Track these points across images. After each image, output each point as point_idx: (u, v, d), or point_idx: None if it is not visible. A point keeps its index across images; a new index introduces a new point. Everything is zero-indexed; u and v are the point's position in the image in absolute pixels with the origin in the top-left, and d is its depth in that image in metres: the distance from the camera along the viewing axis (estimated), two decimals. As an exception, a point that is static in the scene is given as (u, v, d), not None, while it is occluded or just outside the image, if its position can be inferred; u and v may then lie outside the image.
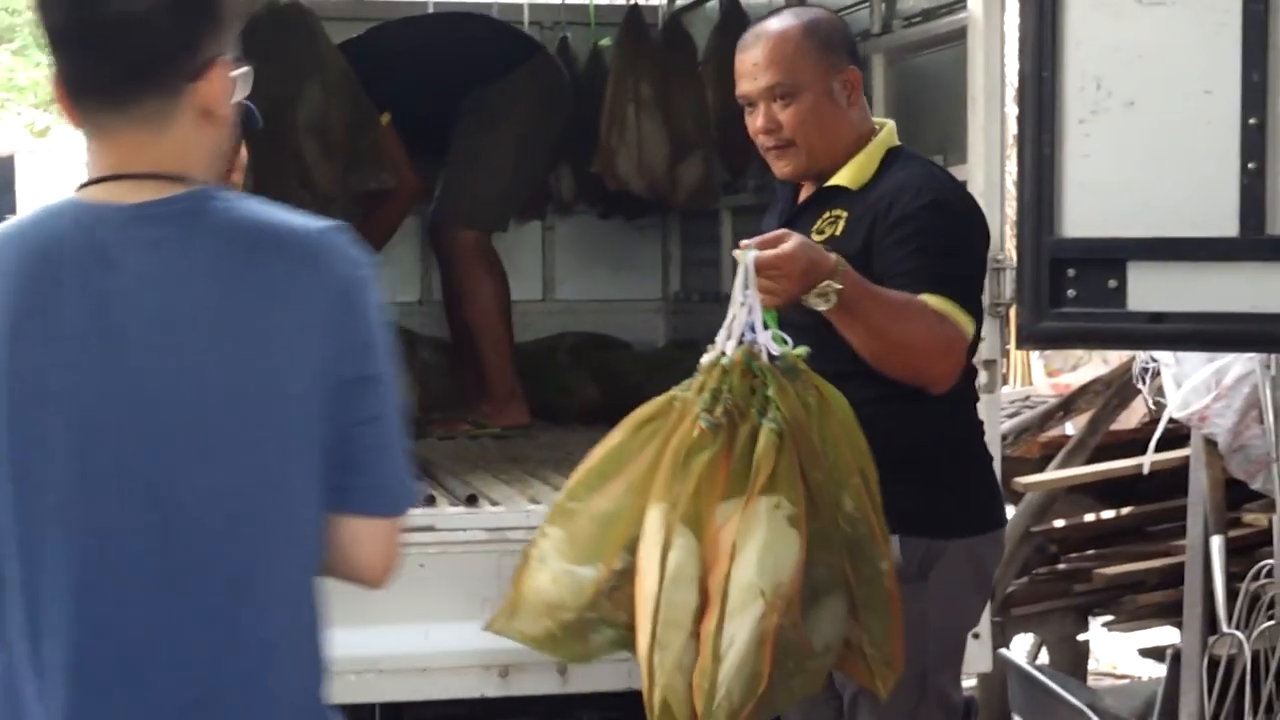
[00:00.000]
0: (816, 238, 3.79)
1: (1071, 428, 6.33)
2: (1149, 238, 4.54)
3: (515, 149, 6.44)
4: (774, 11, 4.27)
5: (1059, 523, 6.09)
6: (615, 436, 3.38)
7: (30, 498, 2.23)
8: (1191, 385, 5.36)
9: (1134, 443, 6.17)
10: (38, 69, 25.60)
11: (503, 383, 6.53)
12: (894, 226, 3.75)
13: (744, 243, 3.43)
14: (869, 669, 3.40)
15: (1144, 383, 5.79)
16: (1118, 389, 5.99)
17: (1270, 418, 5.18)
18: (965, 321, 3.68)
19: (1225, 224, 4.44)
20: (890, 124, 3.99)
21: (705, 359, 3.36)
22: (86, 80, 2.31)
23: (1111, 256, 4.48)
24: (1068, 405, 6.14)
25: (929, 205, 3.77)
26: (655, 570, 3.19)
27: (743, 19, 7.01)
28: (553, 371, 7.12)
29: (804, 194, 3.95)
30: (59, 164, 32.94)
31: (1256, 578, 5.13)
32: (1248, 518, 5.49)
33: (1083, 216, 4.28)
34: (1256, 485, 5.40)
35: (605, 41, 7.47)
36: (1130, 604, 5.94)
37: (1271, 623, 5.01)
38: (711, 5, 7.50)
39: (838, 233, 3.80)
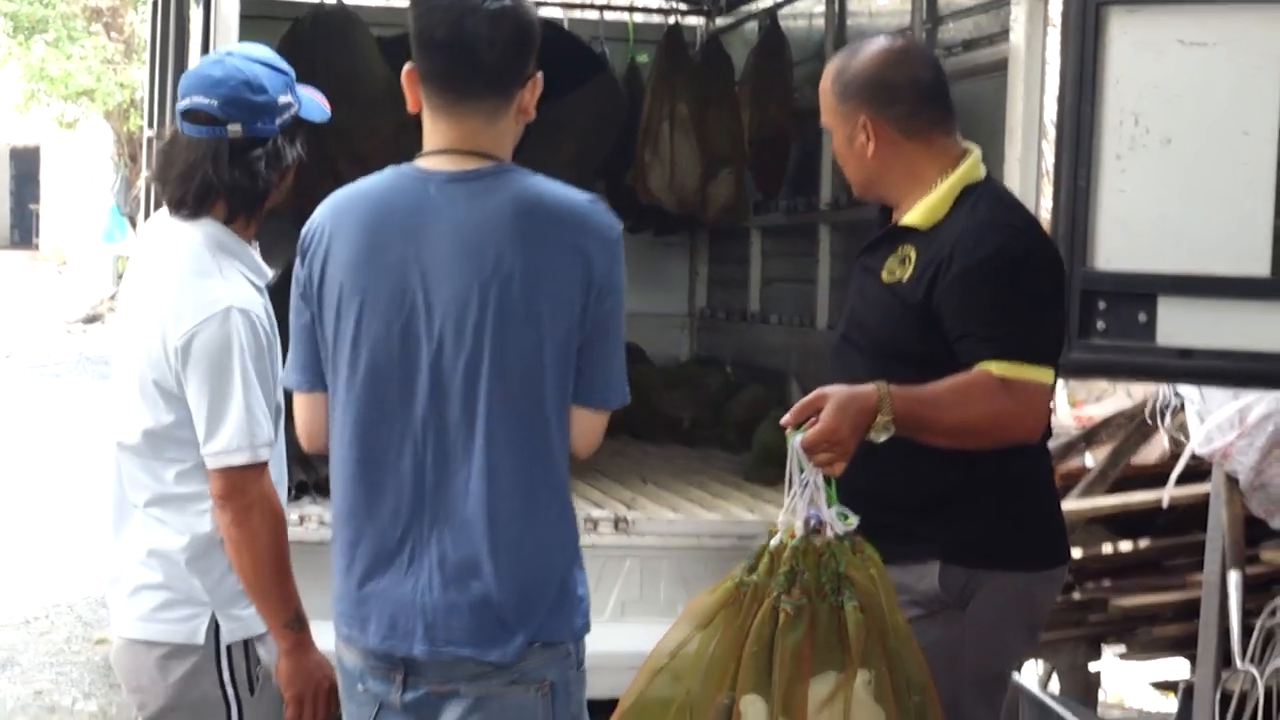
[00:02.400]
0: (886, 277, 3.85)
1: (1092, 459, 6.37)
2: (1180, 274, 4.59)
3: (573, 164, 6.48)
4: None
5: (1076, 553, 6.12)
6: (681, 630, 3.40)
7: (355, 360, 3.25)
8: (1215, 422, 5.39)
9: (1154, 477, 6.20)
10: (70, 61, 25.74)
11: None
12: (954, 281, 3.74)
13: (784, 421, 3.45)
14: None
15: (1162, 418, 5.84)
16: (1140, 423, 6.03)
17: (1292, 457, 5.22)
18: (1035, 375, 3.66)
19: (1257, 263, 4.49)
20: (973, 156, 3.95)
21: (771, 541, 3.40)
22: (449, 79, 3.25)
23: (1142, 291, 4.53)
24: (1090, 437, 6.19)
25: (989, 258, 3.74)
26: None
27: (781, 41, 7.09)
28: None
29: (893, 219, 3.96)
30: (83, 156, 33.17)
31: (1273, 614, 5.16)
32: (1265, 555, 5.52)
33: (1115, 250, 4.33)
34: (1276, 524, 5.43)
35: (643, 58, 7.54)
36: (1145, 636, 5.98)
37: (1283, 659, 5.05)
38: (750, 27, 7.58)
39: (905, 278, 3.82)
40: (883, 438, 3.51)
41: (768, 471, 5.80)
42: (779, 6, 7.27)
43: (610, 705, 4.71)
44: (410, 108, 3.33)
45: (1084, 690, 6.43)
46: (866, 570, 3.37)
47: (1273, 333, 4.50)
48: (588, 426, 3.28)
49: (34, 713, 7.49)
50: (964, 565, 3.75)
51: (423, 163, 3.29)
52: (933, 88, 3.93)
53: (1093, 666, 6.51)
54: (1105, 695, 7.10)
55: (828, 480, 3.42)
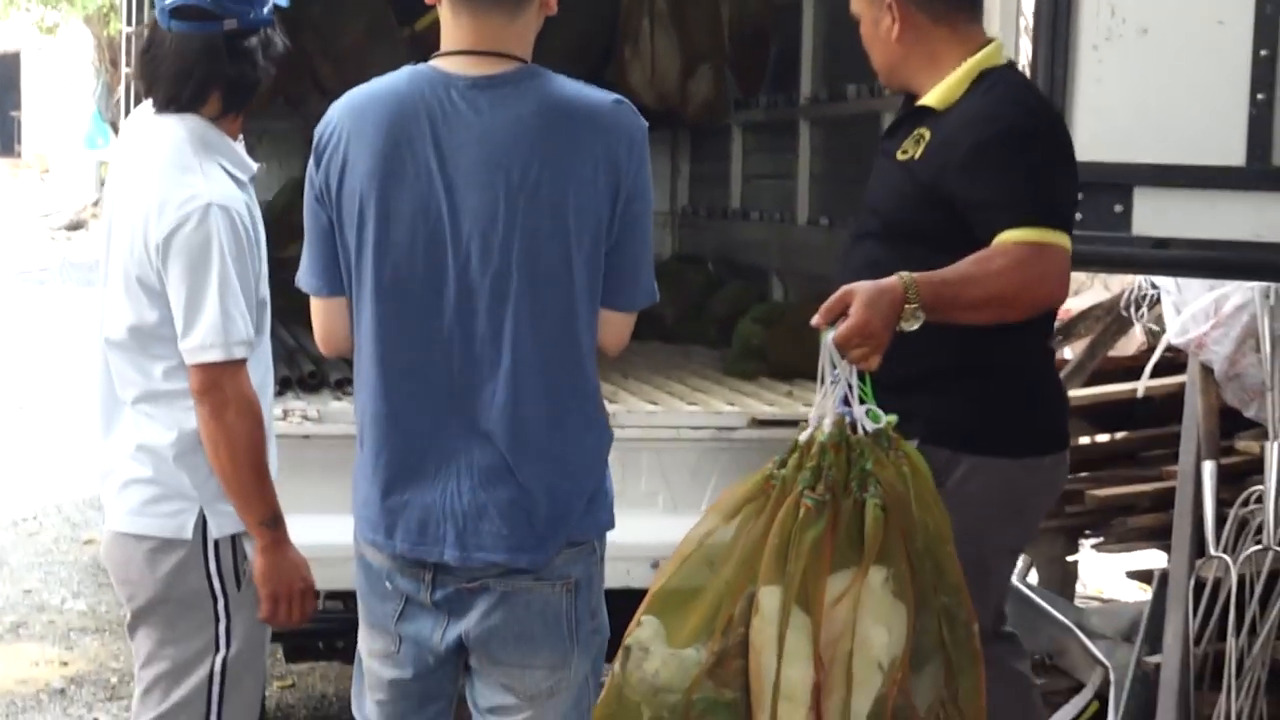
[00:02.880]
0: (900, 156, 3.92)
1: (1070, 352, 6.41)
2: (1156, 164, 4.63)
3: (568, 60, 6.48)
4: None
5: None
6: (710, 521, 3.45)
7: (380, 266, 3.25)
8: (1191, 312, 5.42)
9: (1131, 369, 6.26)
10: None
11: None
12: (966, 156, 3.81)
13: (815, 321, 3.49)
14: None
15: (1138, 310, 5.87)
16: (1117, 316, 6.07)
17: (1267, 347, 5.24)
18: (1056, 239, 3.71)
19: (1232, 153, 4.53)
20: (995, 44, 4.01)
21: (801, 436, 3.43)
22: None
23: (1118, 181, 4.57)
24: (1067, 330, 6.22)
25: (1001, 132, 3.81)
26: (773, 649, 3.29)
27: (762, -65, 7.06)
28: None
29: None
30: (64, 61, 32.93)
31: (1246, 503, 5.21)
32: (1240, 445, 5.56)
33: (1091, 141, 4.35)
34: (1250, 413, 5.47)
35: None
36: (1120, 526, 6.04)
37: (1258, 547, 5.09)
38: (730, -80, 7.51)
39: (917, 155, 3.89)
40: (914, 325, 3.55)
41: (747, 366, 5.85)
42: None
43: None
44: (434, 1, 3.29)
45: (1062, 581, 6.49)
46: (898, 468, 3.40)
47: (1248, 222, 4.55)
48: (618, 327, 3.36)
49: (23, 611, 7.56)
50: (945, 446, 3.82)
51: (443, 64, 3.27)
52: None
53: (1072, 558, 6.58)
54: (1084, 587, 7.18)
55: (862, 377, 3.44)
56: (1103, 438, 6.32)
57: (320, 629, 5.22)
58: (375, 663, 3.49)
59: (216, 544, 3.78)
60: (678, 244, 8.36)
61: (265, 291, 3.82)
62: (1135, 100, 4.62)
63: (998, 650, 4.00)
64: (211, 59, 3.73)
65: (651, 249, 3.36)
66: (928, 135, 3.91)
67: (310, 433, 4.80)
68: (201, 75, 3.73)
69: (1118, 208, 4.66)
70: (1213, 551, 5.19)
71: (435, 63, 3.28)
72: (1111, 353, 6.31)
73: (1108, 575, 7.75)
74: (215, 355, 3.63)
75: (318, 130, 3.35)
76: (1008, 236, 3.68)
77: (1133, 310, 5.90)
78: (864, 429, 3.39)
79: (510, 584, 3.31)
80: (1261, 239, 4.50)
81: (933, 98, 3.95)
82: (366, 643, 3.51)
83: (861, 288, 3.49)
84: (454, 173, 3.21)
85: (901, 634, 3.32)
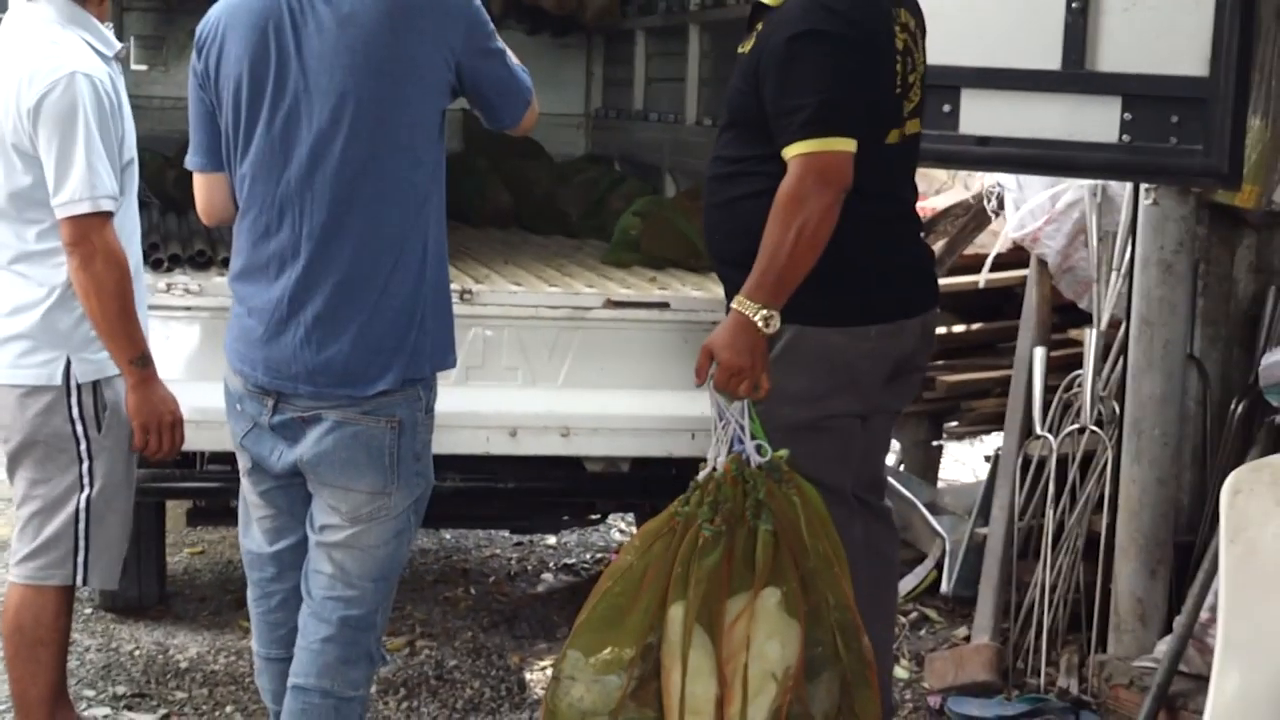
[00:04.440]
0: (740, 49, 4.19)
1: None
2: (981, 67, 4.96)
3: None
4: None
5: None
6: (626, 558, 3.86)
7: (249, 141, 3.76)
8: (1029, 208, 5.76)
9: (1002, 265, 6.57)
10: None
11: None
12: (765, 59, 4.05)
13: (696, 382, 3.95)
14: None
15: (999, 209, 6.18)
16: (975, 213, 6.40)
17: (1094, 241, 5.58)
18: (833, 145, 3.93)
19: (1050, 58, 4.86)
20: None
21: (701, 475, 3.86)
22: None
23: (947, 83, 4.89)
24: (929, 227, 6.54)
25: (792, 38, 4.00)
26: (678, 667, 3.73)
27: None
28: (469, 177, 7.49)
29: None
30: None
31: (1069, 387, 5.55)
32: (1073, 334, 5.90)
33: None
34: (1083, 305, 5.80)
35: None
36: (970, 412, 6.40)
37: (1075, 427, 5.43)
38: None
39: (747, 50, 4.15)
40: (775, 325, 3.91)
41: (624, 256, 6.17)
42: None
43: (461, 458, 5.17)
44: None
45: (925, 465, 6.87)
46: (788, 497, 3.79)
47: (1061, 123, 4.86)
48: (521, 127, 4.00)
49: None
50: None
51: None
52: None
53: (936, 444, 6.95)
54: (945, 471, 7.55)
55: (753, 416, 3.86)
56: (959, 328, 6.66)
57: (209, 489, 5.61)
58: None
59: (80, 388, 4.15)
60: (589, 144, 8.65)
61: (131, 155, 4.19)
62: (963, 6, 4.93)
63: (867, 526, 4.32)
64: None
65: (516, 71, 3.91)
66: (760, 29, 4.14)
67: (192, 304, 5.14)
68: None
69: (946, 107, 4.99)
70: (1038, 430, 5.54)
71: None
72: (969, 249, 6.64)
73: (972, 459, 8.14)
74: (84, 208, 4.01)
75: (200, 27, 3.84)
76: (786, 153, 3.95)
77: (991, 208, 6.22)
78: (756, 463, 3.81)
79: (342, 415, 3.80)
80: (1074, 138, 4.83)
81: None
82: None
83: (713, 338, 3.93)
84: (309, 55, 3.70)
85: (794, 647, 3.73)
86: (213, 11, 3.86)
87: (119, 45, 4.25)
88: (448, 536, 7.32)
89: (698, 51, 7.05)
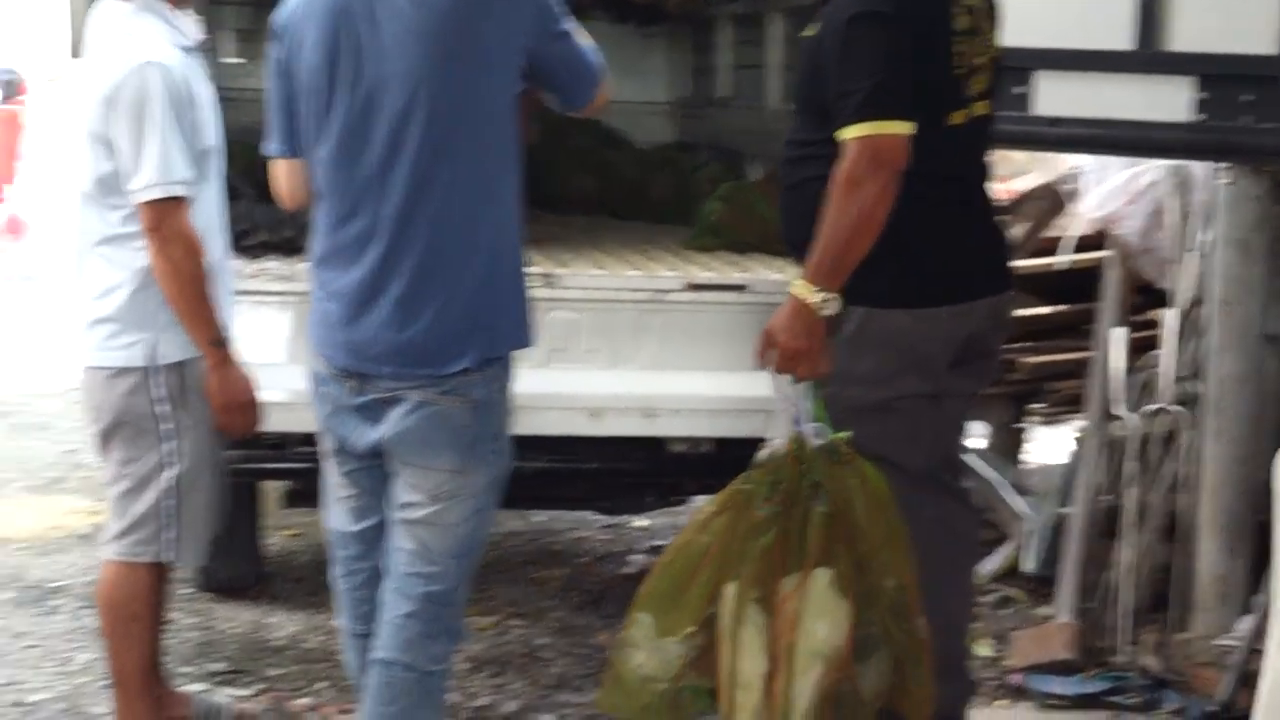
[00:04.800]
0: (806, 33, 4.24)
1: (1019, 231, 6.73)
2: (1053, 48, 5.00)
3: None
4: None
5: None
6: (687, 534, 3.96)
7: (326, 128, 3.87)
8: (1107, 189, 5.77)
9: (1083, 245, 6.57)
10: None
11: None
12: (824, 41, 4.11)
13: (756, 365, 4.05)
14: (912, 703, 3.97)
15: (1074, 189, 6.18)
16: (1056, 196, 6.41)
17: (1173, 222, 5.58)
18: (888, 128, 3.95)
19: (1122, 37, 4.89)
20: None
21: (762, 454, 3.95)
22: None
23: (1019, 65, 4.93)
24: (1013, 209, 6.56)
25: (845, 21, 4.05)
26: (730, 642, 3.83)
27: None
28: (554, 164, 7.58)
29: None
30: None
31: (1149, 367, 5.56)
32: (1154, 315, 5.90)
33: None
34: (1164, 285, 5.81)
35: None
36: (1052, 393, 6.42)
37: (1154, 406, 5.44)
38: None
39: (807, 34, 4.21)
40: (835, 307, 3.97)
41: (707, 240, 6.23)
42: None
43: (545, 439, 5.25)
44: None
45: (1011, 446, 6.89)
46: (845, 479, 3.86)
47: (1135, 102, 4.89)
48: (593, 107, 4.12)
49: (62, 469, 8.15)
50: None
51: None
52: None
53: (1019, 426, 6.97)
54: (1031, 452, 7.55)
55: (814, 398, 3.94)
56: (1044, 310, 6.66)
57: (301, 470, 5.71)
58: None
59: (163, 370, 4.28)
60: (677, 132, 8.71)
61: (209, 143, 4.31)
62: (1037, -12, 4.98)
63: (943, 506, 4.35)
64: None
65: (584, 54, 4.00)
66: (823, 12, 4.19)
67: (283, 289, 5.26)
68: None
69: (1018, 89, 5.03)
70: (1118, 411, 5.56)
71: None
72: (1052, 230, 6.64)
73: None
74: (157, 193, 4.14)
75: (277, 17, 3.95)
76: (842, 135, 3.99)
77: (1071, 190, 6.22)
78: (815, 444, 3.88)
79: (422, 395, 3.90)
80: (1146, 118, 4.85)
81: None
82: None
83: (772, 321, 4.01)
84: (386, 41, 3.80)
85: (843, 628, 3.80)
86: (290, 0, 3.98)
87: (197, 36, 4.37)
88: (540, 518, 7.42)
89: (780, 36, 7.11)
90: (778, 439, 3.94)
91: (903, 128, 3.99)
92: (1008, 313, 4.56)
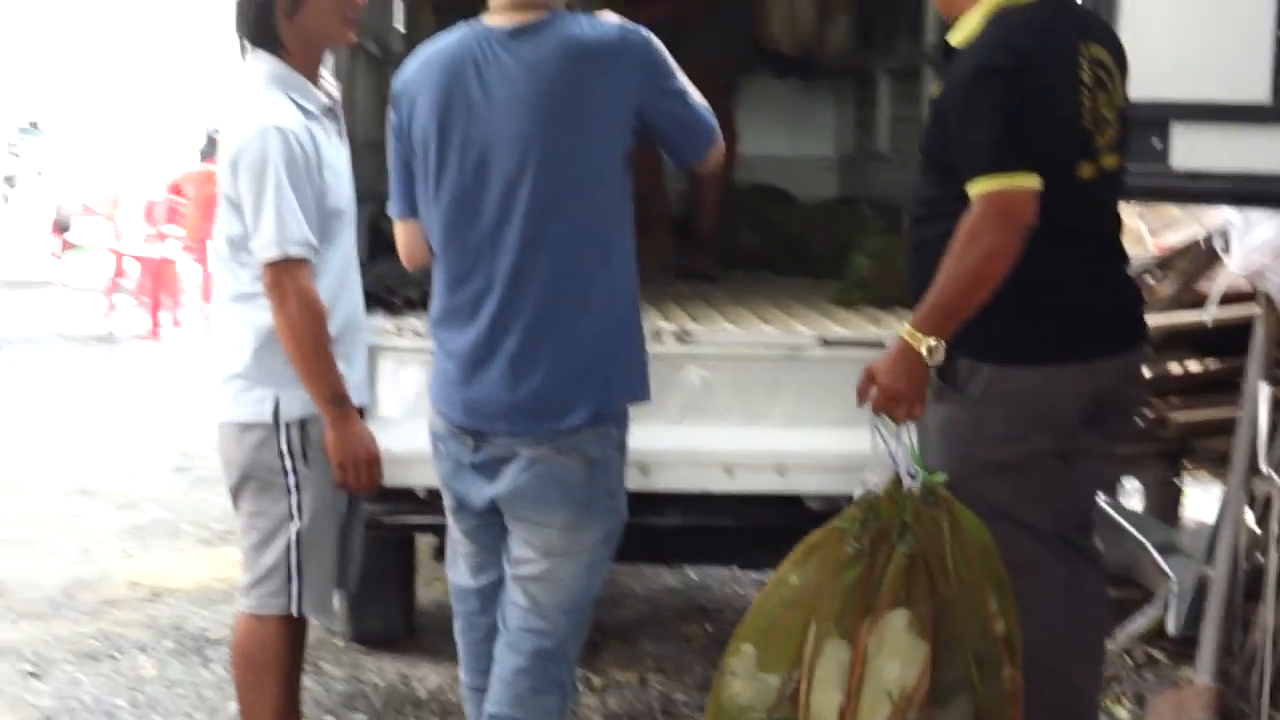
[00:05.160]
0: (932, 93, 4.28)
1: (1172, 286, 6.64)
2: (1191, 101, 4.93)
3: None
4: None
5: (1145, 372, 6.41)
6: (786, 567, 4.03)
7: (440, 190, 3.96)
8: (1255, 243, 5.67)
9: (1234, 298, 6.46)
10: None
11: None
12: (947, 98, 4.12)
13: (857, 403, 4.10)
14: None
15: (1223, 243, 6.08)
16: (1207, 250, 6.31)
17: (1319, 276, 5.48)
18: (1014, 182, 3.95)
19: (1259, 89, 4.82)
20: None
21: (858, 492, 4.03)
22: None
23: (1156, 118, 4.88)
24: (1166, 264, 6.48)
25: (969, 76, 4.06)
26: (809, 676, 3.88)
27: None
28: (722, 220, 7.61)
29: None
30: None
31: (1295, 424, 5.45)
32: (1305, 370, 5.79)
33: (1133, 80, 4.51)
34: (1313, 340, 5.70)
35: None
36: (1205, 450, 6.30)
37: (1299, 465, 5.33)
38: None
39: (937, 93, 4.23)
40: (940, 356, 4.00)
41: (853, 295, 6.22)
42: None
43: (677, 497, 5.27)
44: None
45: (1166, 504, 6.77)
46: (936, 521, 3.89)
47: (1273, 154, 4.82)
48: (706, 165, 4.14)
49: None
50: (966, 356, 4.11)
51: (488, 18, 4.00)
52: None
53: (1175, 481, 6.84)
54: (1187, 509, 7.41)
55: (911, 441, 3.98)
56: (1194, 366, 6.55)
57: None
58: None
59: (287, 425, 4.39)
60: (842, 187, 8.70)
61: (338, 205, 4.41)
62: (1173, 41, 4.90)
63: (1072, 567, 4.28)
64: (256, 6, 4.35)
65: (696, 111, 4.01)
66: (949, 69, 4.21)
67: (421, 346, 5.33)
68: (251, 20, 4.35)
69: (1156, 142, 4.97)
70: (1263, 469, 5.45)
71: (483, 18, 3.98)
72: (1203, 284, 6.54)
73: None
74: (273, 253, 4.25)
75: (395, 82, 4.08)
76: (969, 190, 3.98)
77: (1220, 244, 6.13)
78: (909, 486, 3.93)
79: (537, 453, 3.97)
80: (1284, 171, 4.78)
81: (955, 35, 4.22)
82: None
83: (877, 362, 4.07)
84: (496, 105, 3.89)
85: (916, 670, 3.81)
86: (408, 66, 4.08)
87: (326, 101, 4.46)
88: (692, 575, 7.44)
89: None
90: (874, 478, 3.95)
91: (1030, 182, 3.98)
92: (1140, 369, 4.50)
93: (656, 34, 3.97)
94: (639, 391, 4.07)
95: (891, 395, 4.01)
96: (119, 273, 16.46)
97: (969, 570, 3.85)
